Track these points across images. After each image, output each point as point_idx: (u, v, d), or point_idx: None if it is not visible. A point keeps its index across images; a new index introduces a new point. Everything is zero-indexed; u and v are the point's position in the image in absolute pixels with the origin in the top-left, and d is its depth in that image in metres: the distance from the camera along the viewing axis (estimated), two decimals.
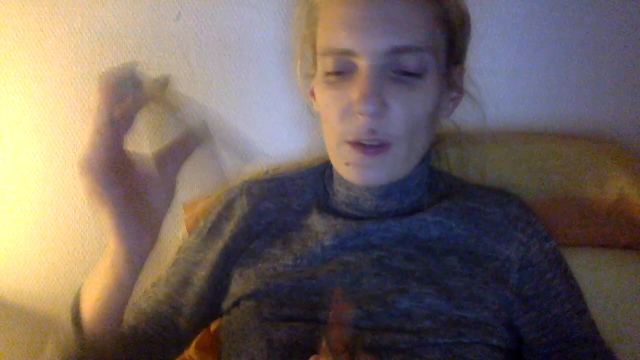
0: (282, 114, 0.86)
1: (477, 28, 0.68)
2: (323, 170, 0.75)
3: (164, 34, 0.84)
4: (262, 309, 0.62)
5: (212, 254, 0.69)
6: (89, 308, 0.54)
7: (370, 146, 0.61)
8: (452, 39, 0.64)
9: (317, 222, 0.68)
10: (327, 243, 0.66)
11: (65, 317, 0.56)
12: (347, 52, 0.60)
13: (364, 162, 0.62)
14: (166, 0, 0.83)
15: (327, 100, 0.63)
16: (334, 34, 0.61)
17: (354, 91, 0.59)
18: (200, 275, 0.68)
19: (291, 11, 0.81)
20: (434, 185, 0.71)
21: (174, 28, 0.84)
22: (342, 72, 0.61)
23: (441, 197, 0.70)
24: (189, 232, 0.81)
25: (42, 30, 0.83)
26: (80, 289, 0.57)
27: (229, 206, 0.73)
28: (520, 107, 0.85)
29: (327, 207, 0.70)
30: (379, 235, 0.66)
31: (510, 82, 0.84)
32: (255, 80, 0.85)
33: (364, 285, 0.62)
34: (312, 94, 0.71)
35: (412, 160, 0.65)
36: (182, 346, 0.68)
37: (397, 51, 0.59)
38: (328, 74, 0.62)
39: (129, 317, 0.67)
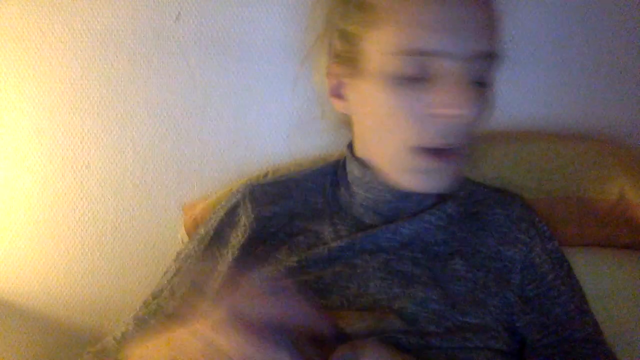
0: (282, 115, 0.86)
1: None
2: (329, 173, 0.74)
3: (164, 34, 0.84)
4: None
5: (222, 266, 0.68)
6: None
7: (442, 151, 0.59)
8: None
9: (327, 232, 0.67)
10: (334, 245, 0.65)
11: None
12: (434, 53, 0.57)
13: (432, 168, 0.60)
14: (166, 1, 0.83)
15: (394, 103, 0.59)
16: (419, 34, 0.57)
17: (441, 94, 0.57)
18: (214, 288, 0.67)
19: (290, 11, 0.82)
20: None
21: (173, 28, 0.84)
22: (415, 74, 0.58)
23: (445, 196, 0.69)
24: (188, 234, 0.81)
25: (42, 31, 0.83)
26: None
27: (232, 212, 0.71)
28: (520, 107, 0.85)
29: (339, 212, 0.69)
30: (387, 237, 0.65)
31: (510, 82, 0.83)
32: (255, 81, 0.85)
33: (370, 288, 0.62)
34: (337, 95, 0.68)
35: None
36: None
37: (480, 56, 0.58)
38: (398, 76, 0.58)
39: (134, 331, 0.67)
